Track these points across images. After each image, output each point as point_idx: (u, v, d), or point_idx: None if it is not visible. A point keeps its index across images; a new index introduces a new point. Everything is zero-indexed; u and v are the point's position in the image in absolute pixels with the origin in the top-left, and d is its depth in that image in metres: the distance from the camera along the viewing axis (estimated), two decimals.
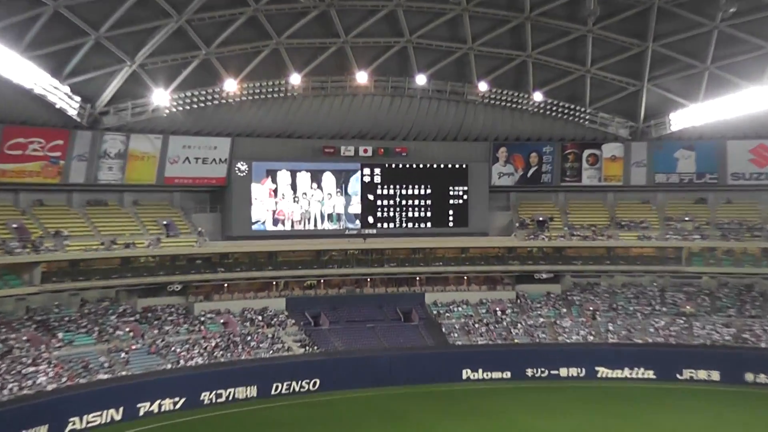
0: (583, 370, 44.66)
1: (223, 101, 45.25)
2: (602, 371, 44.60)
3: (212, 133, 47.86)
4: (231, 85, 43.99)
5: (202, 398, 38.82)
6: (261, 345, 43.54)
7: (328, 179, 50.95)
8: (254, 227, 49.18)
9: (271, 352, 43.16)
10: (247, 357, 42.04)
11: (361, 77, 46.44)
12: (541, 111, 50.84)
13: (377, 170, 51.61)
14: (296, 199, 50.22)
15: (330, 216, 50.85)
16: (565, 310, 50.11)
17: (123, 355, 39.50)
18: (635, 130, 52.42)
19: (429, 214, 52.10)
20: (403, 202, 51.86)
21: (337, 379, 41.98)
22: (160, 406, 37.31)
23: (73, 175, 44.03)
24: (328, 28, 44.06)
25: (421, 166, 52.13)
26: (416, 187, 52.01)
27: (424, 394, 41.37)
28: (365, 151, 50.93)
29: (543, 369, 44.76)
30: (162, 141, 46.36)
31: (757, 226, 50.95)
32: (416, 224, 51.94)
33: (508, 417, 37.72)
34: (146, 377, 38.02)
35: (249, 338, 43.96)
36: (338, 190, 51.02)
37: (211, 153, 48.06)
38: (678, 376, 44.12)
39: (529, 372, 44.70)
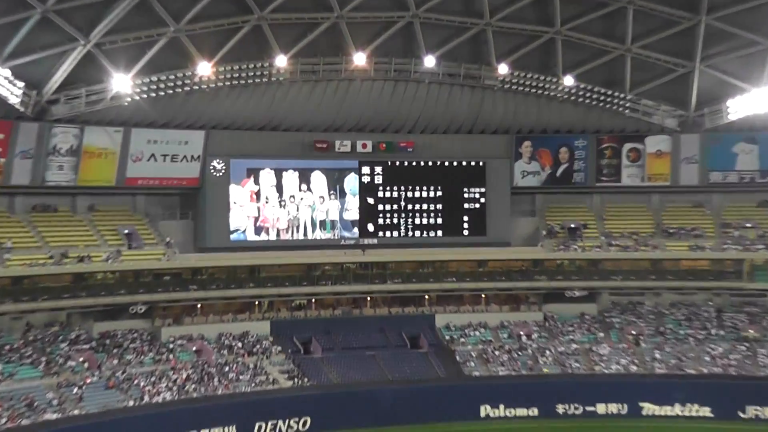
0: (625, 406, 44.25)
1: (196, 87, 45.10)
2: (648, 408, 44.07)
3: (183, 125, 47.53)
4: (205, 69, 43.86)
5: None
6: (241, 377, 43.23)
7: (320, 180, 50.71)
8: (233, 237, 49.09)
9: (252, 385, 42.85)
10: (224, 391, 41.76)
11: (359, 59, 46.25)
12: (573, 98, 50.59)
13: (378, 169, 51.29)
14: (282, 203, 50.00)
15: (322, 223, 50.68)
16: (602, 334, 49.85)
17: (76, 390, 38.94)
18: (685, 120, 52.07)
19: (440, 220, 51.87)
20: (409, 207, 51.57)
21: (331, 418, 41.69)
22: None
23: (16, 175, 43.56)
24: (320, 0, 44.08)
25: (429, 163, 51.93)
26: (424, 188, 51.77)
27: None
28: (364, 146, 50.74)
29: (576, 405, 44.32)
30: (123, 135, 46.06)
31: None
32: (425, 233, 51.75)
33: None
34: (104, 417, 37.51)
35: (227, 369, 43.64)
36: (332, 192, 50.78)
37: (182, 149, 47.73)
38: (740, 414, 43.50)
39: (560, 409, 44.35)
